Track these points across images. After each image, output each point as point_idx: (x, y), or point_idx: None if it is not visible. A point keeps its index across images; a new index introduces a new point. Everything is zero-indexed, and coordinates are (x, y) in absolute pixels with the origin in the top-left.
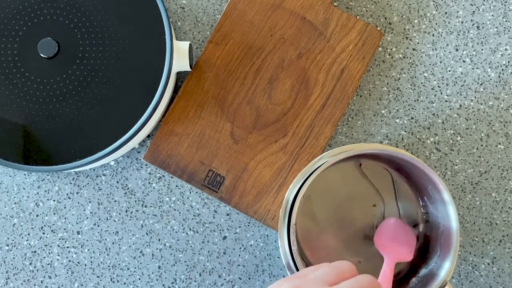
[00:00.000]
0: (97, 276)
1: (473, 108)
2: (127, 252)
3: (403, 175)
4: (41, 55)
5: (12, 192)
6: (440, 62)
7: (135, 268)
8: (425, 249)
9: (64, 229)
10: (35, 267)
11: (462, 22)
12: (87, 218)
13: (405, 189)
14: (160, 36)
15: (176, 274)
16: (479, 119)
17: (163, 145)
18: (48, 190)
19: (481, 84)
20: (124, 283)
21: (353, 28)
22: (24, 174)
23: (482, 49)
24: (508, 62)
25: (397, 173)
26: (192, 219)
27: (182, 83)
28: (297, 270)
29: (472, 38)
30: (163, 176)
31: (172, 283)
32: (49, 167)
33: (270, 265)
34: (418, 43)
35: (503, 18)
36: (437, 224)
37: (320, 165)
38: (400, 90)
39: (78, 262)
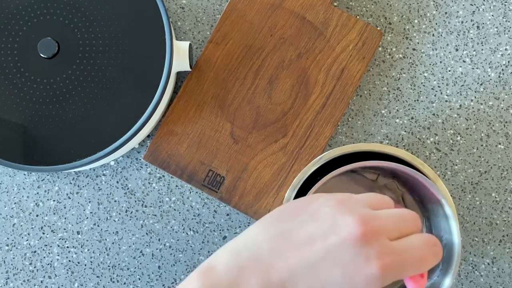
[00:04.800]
0: (97, 276)
1: (473, 108)
2: (127, 252)
3: (408, 187)
4: (41, 55)
5: (12, 192)
6: (440, 62)
7: (135, 268)
8: None
9: (64, 229)
10: (35, 267)
11: (462, 22)
12: (87, 218)
13: (409, 201)
14: (160, 36)
15: (176, 274)
16: (479, 119)
17: (163, 145)
18: (48, 190)
19: (481, 84)
20: (124, 283)
21: (353, 28)
22: (24, 174)
23: (482, 49)
24: (508, 62)
25: (401, 184)
26: (192, 219)
27: (182, 83)
28: None
29: (472, 38)
30: (163, 176)
31: (172, 283)
32: (49, 167)
33: None
34: (418, 43)
35: (503, 18)
36: (440, 237)
37: (320, 166)
38: (400, 90)
39: (78, 262)
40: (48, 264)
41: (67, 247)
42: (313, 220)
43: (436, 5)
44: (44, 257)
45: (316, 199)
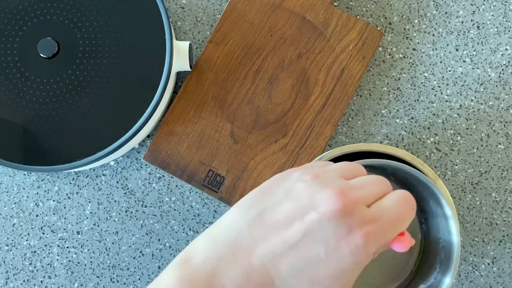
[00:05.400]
0: (97, 276)
1: (473, 108)
2: (127, 252)
3: (407, 188)
4: (41, 55)
5: (12, 192)
6: (440, 62)
7: (135, 268)
8: (424, 265)
9: (64, 229)
10: (35, 267)
11: (462, 22)
12: (87, 218)
13: None
14: (160, 36)
15: None
16: (479, 119)
17: (163, 145)
18: (48, 190)
19: (481, 84)
20: (124, 283)
21: (353, 28)
22: (24, 174)
23: (482, 49)
24: (508, 62)
25: (400, 185)
26: (192, 219)
27: (182, 83)
28: None
29: (472, 38)
30: (163, 176)
31: None
32: (49, 167)
33: None
34: (418, 43)
35: (503, 18)
36: (437, 239)
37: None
38: (400, 90)
39: (78, 262)
40: (48, 264)
41: (67, 247)
42: (289, 198)
43: (436, 5)
44: (44, 257)
45: (290, 174)
